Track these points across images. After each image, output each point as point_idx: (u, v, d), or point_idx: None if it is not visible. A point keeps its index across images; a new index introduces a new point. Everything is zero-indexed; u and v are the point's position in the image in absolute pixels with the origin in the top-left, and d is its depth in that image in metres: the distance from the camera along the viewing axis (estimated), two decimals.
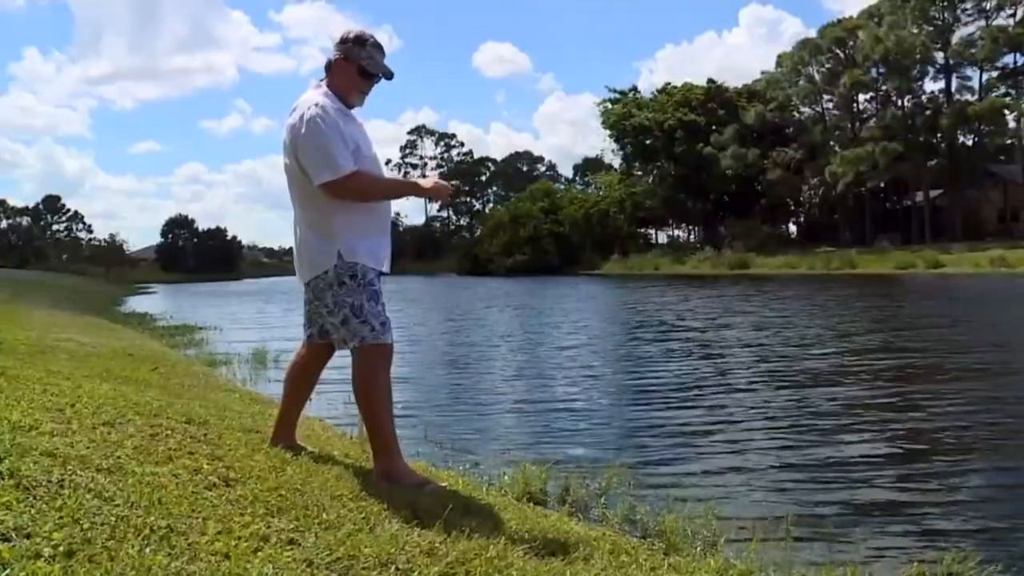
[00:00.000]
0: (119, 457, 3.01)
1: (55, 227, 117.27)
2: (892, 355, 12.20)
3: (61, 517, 2.24)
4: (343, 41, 3.72)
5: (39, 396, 4.08)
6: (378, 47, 3.74)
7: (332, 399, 7.31)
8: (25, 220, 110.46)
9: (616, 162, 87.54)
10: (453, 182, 3.86)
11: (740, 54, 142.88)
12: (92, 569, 1.95)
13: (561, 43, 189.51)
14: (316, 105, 3.56)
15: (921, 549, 4.40)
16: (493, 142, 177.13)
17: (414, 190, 3.81)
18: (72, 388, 4.63)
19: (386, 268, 3.74)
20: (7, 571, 1.87)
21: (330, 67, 3.74)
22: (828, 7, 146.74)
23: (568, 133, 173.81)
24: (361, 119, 3.87)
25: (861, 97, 66.62)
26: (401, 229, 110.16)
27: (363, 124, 3.84)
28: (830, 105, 69.86)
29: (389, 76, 3.80)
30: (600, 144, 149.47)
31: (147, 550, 2.12)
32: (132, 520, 2.32)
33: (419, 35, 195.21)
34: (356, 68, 3.69)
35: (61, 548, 2.03)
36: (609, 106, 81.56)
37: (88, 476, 2.67)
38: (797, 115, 72.04)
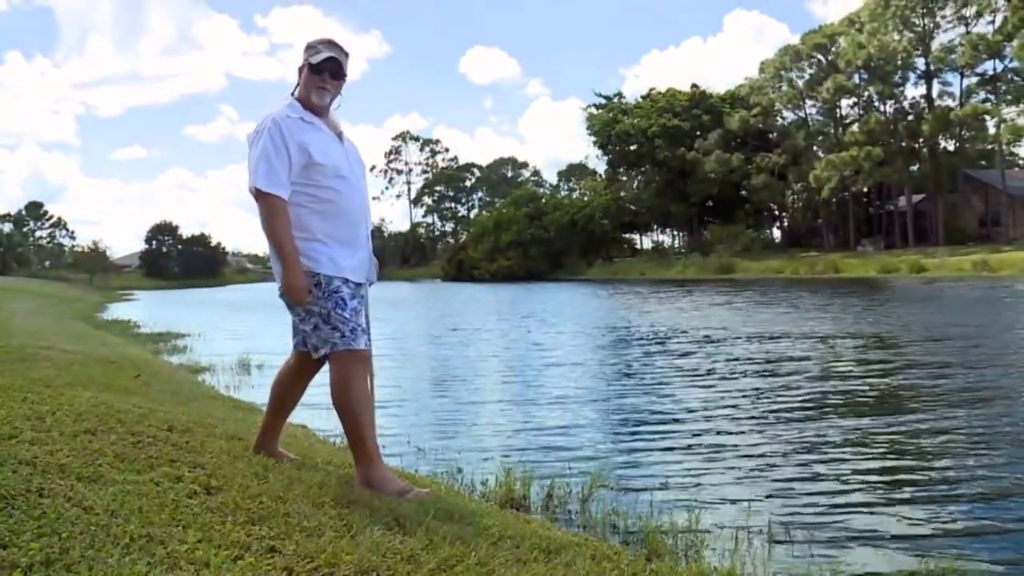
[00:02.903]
0: (99, 465, 3.01)
1: (38, 233, 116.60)
2: (884, 359, 12.27)
3: (40, 527, 2.23)
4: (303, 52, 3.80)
5: (19, 404, 4.06)
6: (329, 44, 3.75)
7: (315, 406, 7.28)
8: (7, 226, 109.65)
9: (600, 167, 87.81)
10: (308, 299, 3.57)
11: (725, 59, 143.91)
12: None
13: (549, 48, 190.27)
14: (269, 117, 3.62)
15: (903, 555, 4.43)
16: (479, 147, 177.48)
17: (285, 265, 3.56)
18: (53, 396, 4.61)
19: (356, 277, 3.72)
20: None
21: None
22: (813, 13, 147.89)
23: (554, 139, 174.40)
24: (342, 125, 3.88)
25: (844, 102, 67.10)
26: (386, 235, 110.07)
27: (342, 132, 3.84)
28: (813, 110, 70.35)
29: (331, 61, 3.73)
30: (585, 150, 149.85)
31: (126, 559, 2.12)
32: (112, 529, 2.32)
33: (407, 40, 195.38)
34: (307, 68, 3.73)
35: (39, 558, 2.02)
36: (594, 111, 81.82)
37: (68, 485, 2.66)
38: (780, 120, 72.47)
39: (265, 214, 3.55)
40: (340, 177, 3.69)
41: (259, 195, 3.53)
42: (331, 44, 3.75)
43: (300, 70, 3.77)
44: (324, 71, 3.72)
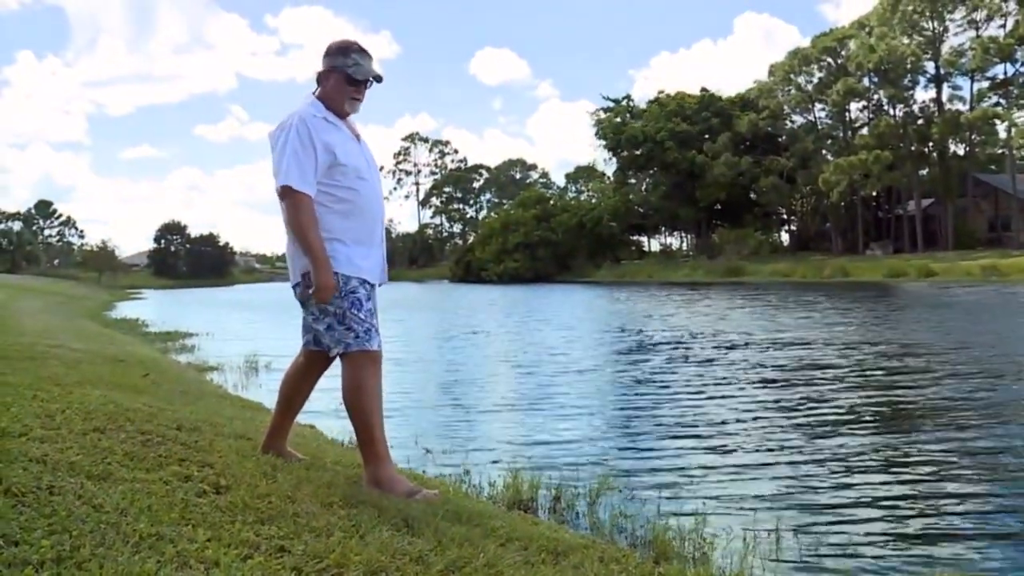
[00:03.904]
0: (109, 464, 3.01)
1: (47, 232, 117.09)
2: (905, 367, 12.22)
3: (50, 524, 2.24)
4: (328, 53, 3.75)
5: (29, 402, 4.08)
6: (363, 52, 3.75)
7: (324, 405, 7.29)
8: (17, 225, 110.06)
9: (609, 170, 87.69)
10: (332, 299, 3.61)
11: (736, 62, 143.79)
12: None
13: (559, 50, 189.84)
14: (295, 115, 3.61)
15: (911, 560, 4.42)
16: (488, 149, 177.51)
17: (315, 263, 3.51)
18: (62, 394, 4.63)
19: (372, 278, 3.73)
20: None
21: (320, 79, 3.77)
22: (824, 15, 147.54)
23: (563, 141, 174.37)
24: (358, 126, 3.89)
25: (853, 106, 66.90)
26: (394, 236, 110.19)
27: (359, 134, 3.85)
28: (822, 114, 70.19)
29: (378, 79, 3.82)
30: (594, 152, 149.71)
31: (136, 557, 2.12)
32: (121, 527, 2.32)
33: (417, 41, 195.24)
34: (344, 77, 3.71)
35: (50, 555, 2.03)
36: (602, 115, 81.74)
37: (78, 483, 2.67)
38: (790, 124, 72.31)
39: (294, 212, 3.54)
40: (360, 178, 3.70)
41: (288, 193, 3.52)
42: (367, 54, 3.75)
43: (329, 73, 3.72)
44: (362, 84, 3.75)
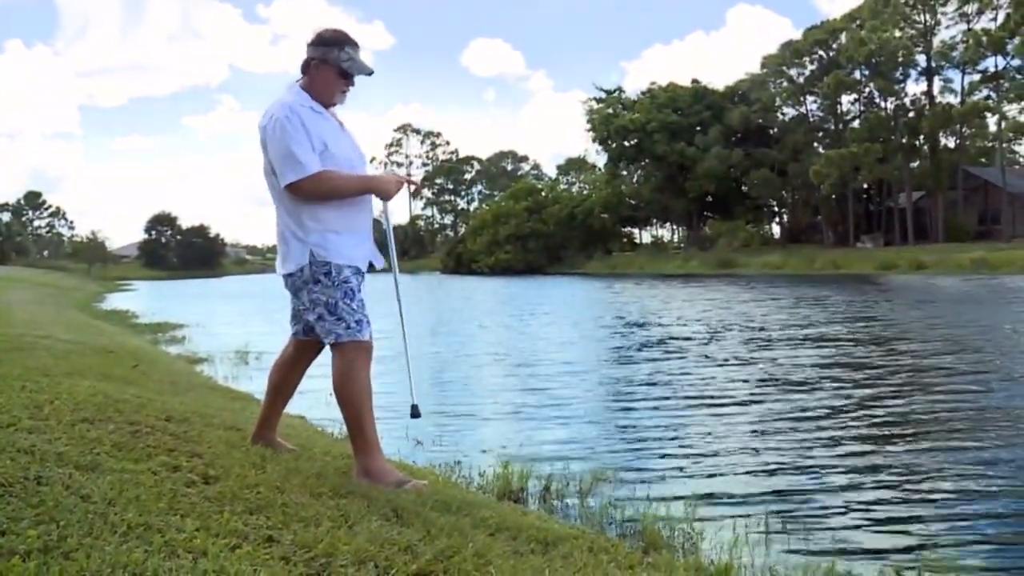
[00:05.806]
0: (97, 454, 3.01)
1: (36, 223, 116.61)
2: (881, 354, 12.26)
3: (38, 514, 2.23)
4: (320, 43, 3.68)
5: (17, 393, 4.07)
6: (355, 45, 3.72)
7: (314, 396, 7.29)
8: (6, 215, 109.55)
9: (600, 162, 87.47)
10: (420, 181, 3.81)
11: (728, 54, 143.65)
12: (68, 566, 1.95)
13: (552, 41, 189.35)
14: (284, 106, 3.57)
15: (900, 548, 4.45)
16: (480, 140, 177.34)
17: (370, 189, 3.75)
18: (51, 385, 4.61)
19: (364, 265, 3.74)
20: None
21: (307, 67, 3.72)
22: (817, 7, 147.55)
23: (556, 132, 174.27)
24: (343, 116, 3.88)
25: (845, 98, 66.98)
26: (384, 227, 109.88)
27: (343, 122, 3.84)
28: (814, 107, 70.25)
29: (369, 74, 3.80)
30: (585, 143, 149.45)
31: (124, 547, 2.11)
32: (109, 517, 2.31)
33: (410, 32, 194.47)
34: (336, 71, 3.68)
35: (37, 545, 2.02)
36: (594, 105, 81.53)
37: (66, 473, 2.66)
38: (781, 116, 72.33)
39: (325, 187, 3.55)
40: (352, 168, 3.70)
41: (312, 179, 3.50)
42: (358, 46, 3.72)
43: (320, 64, 3.68)
44: (352, 77, 3.73)
